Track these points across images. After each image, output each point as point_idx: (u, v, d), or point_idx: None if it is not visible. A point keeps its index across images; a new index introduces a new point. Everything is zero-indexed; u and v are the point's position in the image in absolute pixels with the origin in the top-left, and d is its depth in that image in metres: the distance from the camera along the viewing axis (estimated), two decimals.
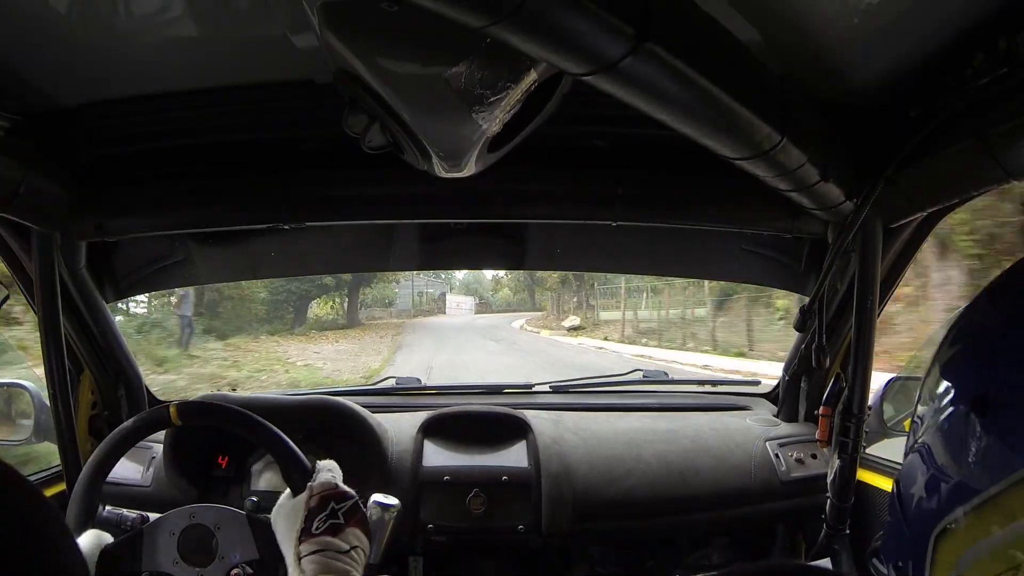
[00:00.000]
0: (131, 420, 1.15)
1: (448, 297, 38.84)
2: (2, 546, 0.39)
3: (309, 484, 1.06)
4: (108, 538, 1.13)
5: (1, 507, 0.40)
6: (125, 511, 1.28)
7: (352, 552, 1.01)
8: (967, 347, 0.51)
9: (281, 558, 1.04)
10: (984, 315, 0.51)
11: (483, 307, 39.82)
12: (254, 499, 1.15)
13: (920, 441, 0.51)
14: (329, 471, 1.09)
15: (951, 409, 0.47)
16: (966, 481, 0.45)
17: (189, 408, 1.15)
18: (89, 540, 1.10)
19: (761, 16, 0.91)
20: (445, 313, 35.80)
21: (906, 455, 0.53)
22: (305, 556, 0.97)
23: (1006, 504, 0.42)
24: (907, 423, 1.73)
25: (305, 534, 1.00)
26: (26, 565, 0.39)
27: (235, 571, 1.13)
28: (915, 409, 0.54)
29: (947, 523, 0.46)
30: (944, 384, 0.50)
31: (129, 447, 1.16)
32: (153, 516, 1.20)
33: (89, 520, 1.13)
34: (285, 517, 1.04)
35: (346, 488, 1.07)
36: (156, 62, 1.10)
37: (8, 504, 0.41)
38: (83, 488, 1.14)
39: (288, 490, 1.09)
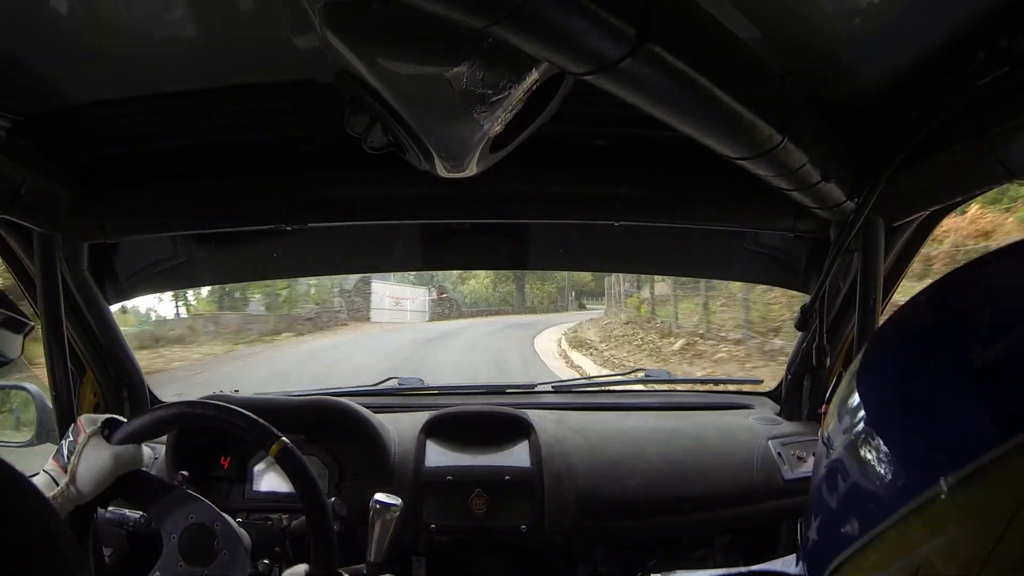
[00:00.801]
0: (241, 416, 1.19)
1: (377, 287, 22.33)
2: (2, 546, 0.39)
3: None
4: (148, 456, 1.25)
5: (1, 506, 0.40)
6: (127, 511, 1.28)
7: None
8: (877, 365, 0.49)
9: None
10: (887, 338, 0.50)
11: (445, 306, 25.40)
12: (265, 561, 1.21)
13: (822, 472, 0.49)
14: None
15: (851, 436, 0.46)
16: (858, 516, 0.43)
17: (289, 456, 1.17)
18: (130, 451, 1.18)
19: (762, 16, 0.91)
20: (369, 319, 21.50)
21: (811, 488, 0.52)
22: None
23: (900, 536, 0.40)
24: None
25: None
26: (27, 565, 0.39)
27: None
28: (823, 435, 0.53)
29: (839, 561, 0.45)
30: (849, 405, 0.48)
31: (201, 424, 1.25)
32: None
33: (141, 439, 1.20)
34: None
35: None
36: (157, 62, 1.10)
37: (8, 503, 0.41)
38: (161, 417, 1.21)
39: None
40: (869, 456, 0.44)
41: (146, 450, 1.22)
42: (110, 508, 1.34)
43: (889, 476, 0.42)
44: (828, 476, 0.48)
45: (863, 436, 0.44)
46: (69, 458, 1.15)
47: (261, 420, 1.18)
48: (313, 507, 1.15)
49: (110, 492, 1.18)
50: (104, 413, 1.66)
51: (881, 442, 0.43)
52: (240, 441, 1.20)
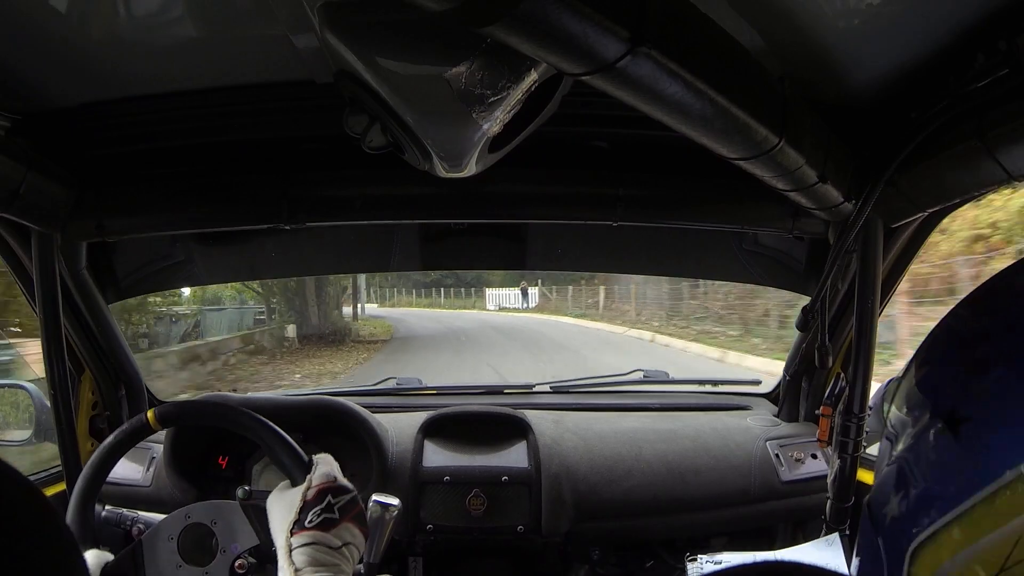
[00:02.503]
0: (112, 435, 1.13)
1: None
2: (2, 545, 0.39)
3: (308, 476, 1.05)
4: (108, 556, 1.11)
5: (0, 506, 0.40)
6: (124, 511, 1.28)
7: (344, 548, 1.00)
8: (942, 358, 0.50)
9: None
10: (962, 326, 0.51)
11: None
12: (246, 487, 1.15)
13: (895, 456, 0.50)
14: (328, 464, 1.08)
15: (925, 423, 0.47)
16: (939, 496, 0.44)
17: (166, 411, 1.13)
18: (89, 560, 1.07)
19: (760, 17, 0.91)
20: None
21: (878, 472, 0.53)
22: (296, 548, 0.97)
23: (975, 519, 0.42)
24: None
25: (298, 526, 0.99)
26: (26, 565, 0.39)
27: (239, 562, 1.13)
28: (887, 422, 0.53)
29: (922, 539, 0.45)
30: (919, 396, 0.49)
31: (118, 458, 1.14)
32: (147, 516, 1.20)
33: (86, 540, 1.11)
34: (280, 507, 1.03)
35: (345, 482, 1.06)
36: (157, 62, 1.10)
37: (7, 503, 0.41)
38: (76, 507, 1.11)
39: (287, 480, 1.08)
40: (948, 442, 0.45)
41: (96, 553, 1.10)
42: (108, 508, 1.34)
43: (966, 462, 0.43)
44: (902, 463, 0.48)
45: (941, 421, 0.46)
46: None
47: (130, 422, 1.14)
48: (255, 431, 1.12)
49: None
50: (102, 412, 1.68)
51: (968, 420, 0.44)
52: (238, 440, 1.19)
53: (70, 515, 1.10)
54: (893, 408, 0.52)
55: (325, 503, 1.02)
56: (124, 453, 1.14)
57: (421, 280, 31.89)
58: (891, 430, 0.51)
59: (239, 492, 1.14)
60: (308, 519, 0.99)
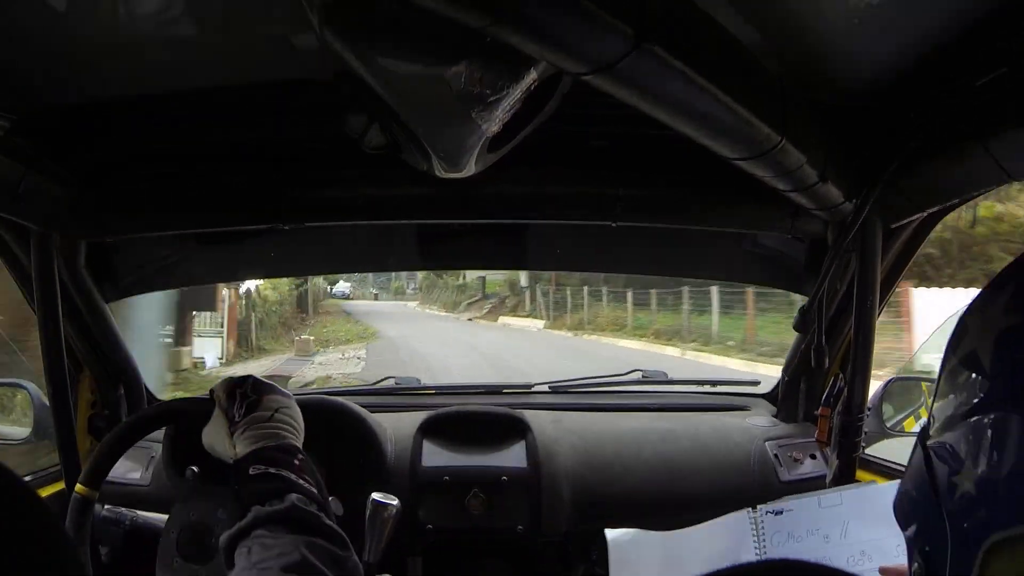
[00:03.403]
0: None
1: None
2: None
3: (210, 390, 1.09)
4: None
5: None
6: (124, 510, 1.28)
7: (275, 415, 1.05)
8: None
9: None
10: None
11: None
12: (192, 468, 1.18)
13: (980, 419, 0.44)
14: (222, 380, 1.12)
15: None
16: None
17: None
18: None
19: (760, 16, 0.91)
20: None
21: (954, 420, 0.46)
22: (237, 441, 1.00)
23: None
24: (907, 423, 1.74)
25: (232, 427, 1.02)
26: (20, 565, 0.39)
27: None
28: (950, 361, 0.48)
29: (1003, 537, 0.40)
30: (1003, 360, 0.44)
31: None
32: (147, 515, 1.20)
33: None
34: (212, 432, 1.07)
35: (241, 374, 1.11)
36: (156, 62, 1.10)
37: (1, 503, 0.41)
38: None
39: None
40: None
41: None
42: (107, 507, 1.34)
43: None
44: (989, 430, 0.44)
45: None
46: None
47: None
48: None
49: None
50: (101, 411, 1.67)
51: None
52: None
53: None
54: (970, 345, 0.47)
55: (239, 397, 1.05)
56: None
57: None
58: (974, 373, 0.46)
59: (187, 473, 1.19)
60: (235, 416, 1.03)
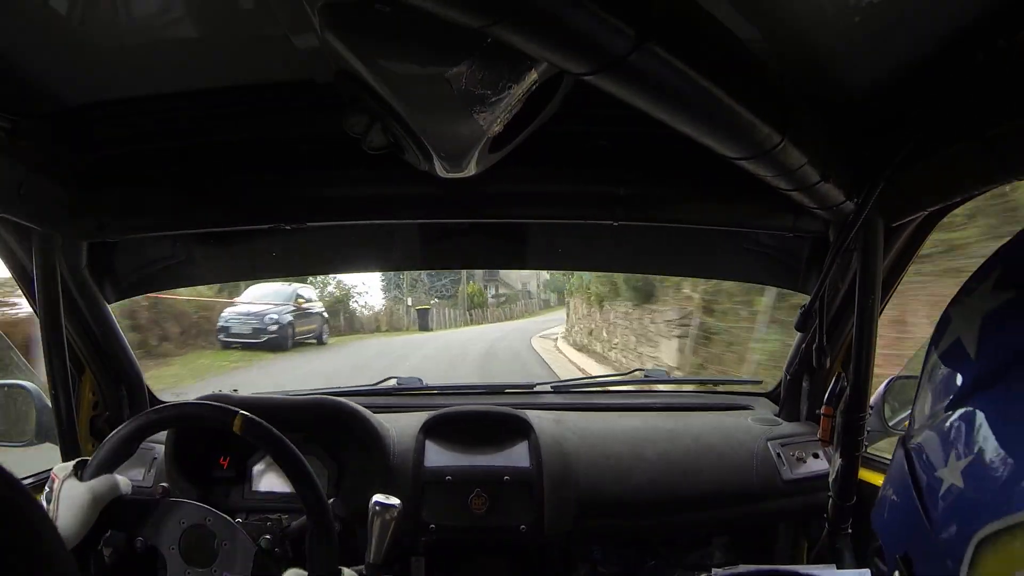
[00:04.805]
0: (195, 404, 1.21)
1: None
2: None
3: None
4: (124, 485, 1.22)
5: None
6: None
7: None
8: (1017, 298, 0.43)
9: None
10: None
11: None
12: (268, 537, 1.20)
13: (966, 407, 0.42)
14: None
15: (1015, 379, 0.39)
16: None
17: (251, 424, 1.17)
18: (105, 482, 1.19)
19: (762, 15, 0.91)
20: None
21: (936, 415, 0.45)
22: None
23: None
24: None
25: None
26: (13, 565, 0.39)
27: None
28: (931, 359, 0.46)
29: (996, 529, 0.38)
30: (990, 341, 0.42)
31: (171, 426, 1.28)
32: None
33: (113, 466, 1.21)
34: None
35: None
36: (157, 62, 1.10)
37: None
38: (122, 437, 1.21)
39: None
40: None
41: (121, 479, 1.22)
42: (104, 535, 1.34)
43: None
44: (969, 423, 0.41)
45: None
46: (49, 506, 1.16)
47: (215, 404, 1.19)
48: (298, 477, 1.16)
49: (97, 528, 1.18)
50: (103, 411, 1.68)
51: None
52: (238, 441, 1.20)
53: (118, 436, 1.22)
54: (954, 334, 0.45)
55: None
56: (186, 425, 1.28)
57: None
58: (945, 370, 0.44)
59: (262, 542, 1.20)
60: None
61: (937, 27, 0.89)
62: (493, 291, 33.35)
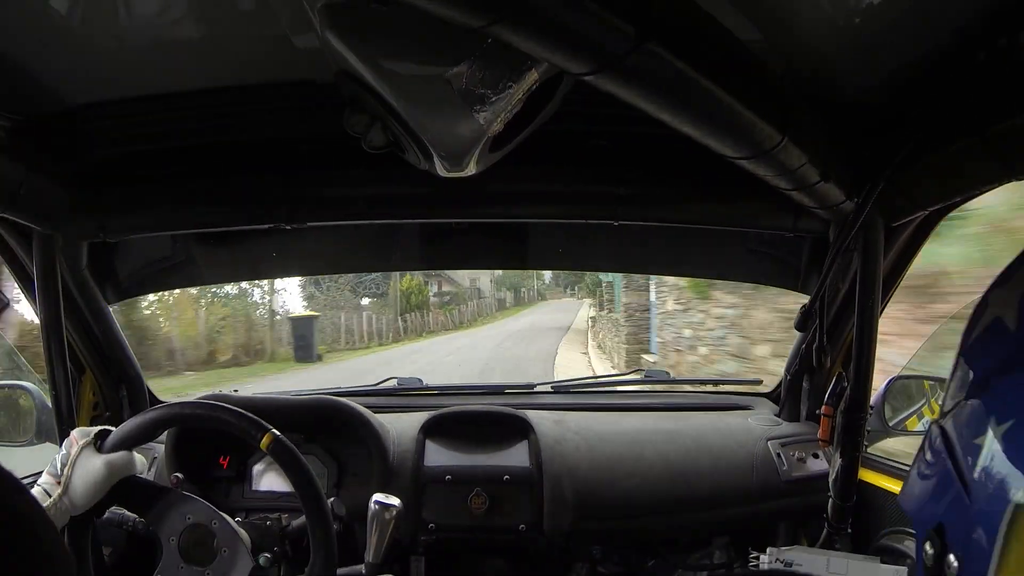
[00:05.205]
0: (231, 414, 1.19)
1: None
2: None
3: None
4: (140, 464, 1.23)
5: None
6: (126, 511, 1.28)
7: None
8: None
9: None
10: None
11: None
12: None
13: (999, 383, 0.42)
14: None
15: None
16: None
17: (280, 447, 1.17)
18: (123, 458, 1.19)
19: (762, 15, 0.91)
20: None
21: (976, 389, 0.45)
22: None
23: None
24: (910, 422, 1.74)
25: None
26: (13, 565, 0.39)
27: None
28: (967, 343, 0.46)
29: None
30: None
31: (201, 424, 1.27)
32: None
33: (133, 444, 1.21)
34: None
35: None
36: (157, 62, 1.10)
37: None
38: (150, 419, 1.21)
39: None
40: None
41: (138, 457, 1.22)
42: (111, 509, 1.34)
43: None
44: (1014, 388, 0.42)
45: None
46: (62, 470, 1.16)
47: (250, 414, 1.19)
48: (309, 498, 1.15)
49: (105, 501, 1.18)
50: (103, 412, 1.68)
51: None
52: (239, 440, 1.20)
53: (142, 417, 1.22)
54: (992, 315, 0.46)
55: None
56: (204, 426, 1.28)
57: None
58: (980, 343, 0.45)
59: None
60: None
61: (938, 26, 0.89)
62: (436, 288, 26.35)
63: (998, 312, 0.47)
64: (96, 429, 1.21)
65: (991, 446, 0.42)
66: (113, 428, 1.22)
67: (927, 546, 0.47)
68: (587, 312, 23.56)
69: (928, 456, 0.49)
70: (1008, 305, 0.46)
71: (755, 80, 0.86)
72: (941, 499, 0.47)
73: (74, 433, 1.20)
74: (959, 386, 0.47)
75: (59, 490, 1.14)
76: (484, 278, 29.98)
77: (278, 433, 1.17)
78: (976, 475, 0.43)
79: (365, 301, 21.54)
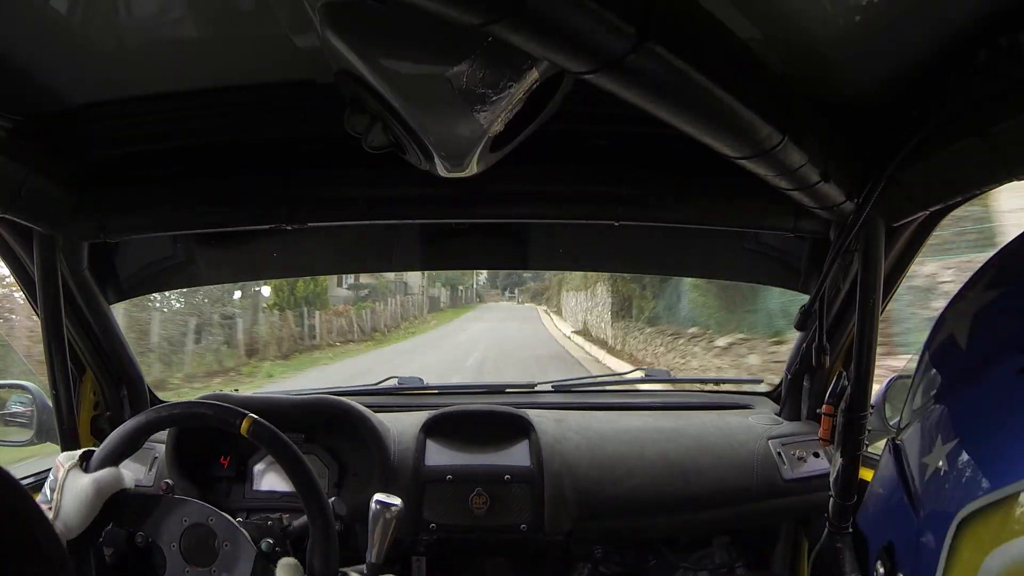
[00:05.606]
0: (204, 404, 1.20)
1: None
2: None
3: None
4: (128, 478, 1.21)
5: None
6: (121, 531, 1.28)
7: None
8: (1007, 292, 0.44)
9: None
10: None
11: None
12: (270, 541, 1.19)
13: (946, 401, 0.43)
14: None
15: (999, 355, 0.40)
16: (1011, 456, 0.37)
17: (259, 427, 1.17)
18: (110, 475, 1.18)
19: (762, 15, 0.91)
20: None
21: (927, 407, 0.45)
22: None
23: None
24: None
25: None
26: (12, 565, 0.39)
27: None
28: (923, 360, 0.48)
29: (975, 508, 0.38)
30: (990, 319, 0.43)
31: (179, 424, 1.30)
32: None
33: (118, 459, 1.21)
34: None
35: None
36: (158, 62, 1.10)
37: None
38: (129, 430, 1.21)
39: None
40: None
41: (126, 472, 1.22)
42: (105, 528, 1.34)
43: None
44: (953, 410, 0.42)
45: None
46: (52, 495, 1.15)
47: (225, 404, 1.19)
48: (298, 473, 1.16)
49: (100, 520, 1.18)
50: (103, 412, 1.68)
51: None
52: (239, 440, 1.20)
53: (123, 430, 1.21)
54: (947, 332, 0.46)
55: None
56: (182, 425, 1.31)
57: None
58: (929, 367, 0.46)
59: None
60: None
61: (939, 26, 0.89)
62: (349, 281, 19.19)
63: (953, 328, 0.48)
64: (80, 451, 1.21)
65: (937, 464, 0.43)
66: (96, 448, 1.22)
67: (878, 565, 0.47)
68: (553, 321, 20.94)
69: (884, 473, 0.49)
70: (961, 321, 0.47)
71: (756, 80, 0.86)
72: (891, 518, 0.48)
73: (59, 458, 1.20)
74: (910, 407, 0.48)
75: (51, 516, 1.14)
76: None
77: (256, 416, 1.16)
78: (922, 493, 0.44)
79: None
